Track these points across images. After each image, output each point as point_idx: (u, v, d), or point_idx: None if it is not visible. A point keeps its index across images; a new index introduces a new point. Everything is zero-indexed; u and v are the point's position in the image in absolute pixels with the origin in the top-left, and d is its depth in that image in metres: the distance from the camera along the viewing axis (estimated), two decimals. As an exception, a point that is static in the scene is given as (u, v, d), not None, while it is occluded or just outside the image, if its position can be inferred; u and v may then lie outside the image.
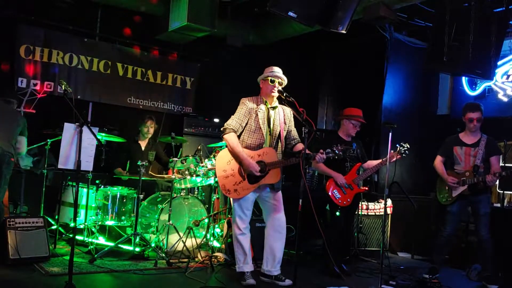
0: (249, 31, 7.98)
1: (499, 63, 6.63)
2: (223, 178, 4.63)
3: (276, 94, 4.66)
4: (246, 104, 4.69)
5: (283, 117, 4.81)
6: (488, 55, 5.69)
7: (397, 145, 5.21)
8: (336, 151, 4.51)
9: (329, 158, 4.54)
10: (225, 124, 4.66)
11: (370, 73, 7.68)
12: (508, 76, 7.04)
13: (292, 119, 4.89)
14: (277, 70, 4.73)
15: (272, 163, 4.62)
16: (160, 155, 6.77)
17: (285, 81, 4.73)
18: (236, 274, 4.77)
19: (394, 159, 5.13)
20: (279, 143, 4.77)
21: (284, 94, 4.60)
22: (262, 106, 4.72)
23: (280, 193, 4.79)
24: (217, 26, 6.95)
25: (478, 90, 7.40)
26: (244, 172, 4.59)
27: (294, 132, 4.91)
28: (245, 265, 4.69)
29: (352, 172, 5.36)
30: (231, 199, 4.72)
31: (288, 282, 4.64)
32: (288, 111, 4.87)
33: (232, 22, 7.66)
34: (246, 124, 4.68)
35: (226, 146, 4.69)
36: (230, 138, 4.59)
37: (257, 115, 4.67)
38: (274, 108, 4.77)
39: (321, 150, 4.50)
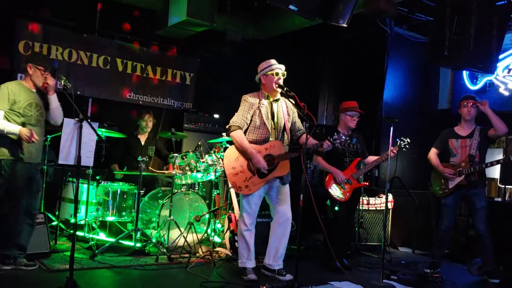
0: (249, 26, 7.95)
1: (500, 57, 6.59)
2: (233, 176, 4.61)
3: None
4: (248, 101, 4.67)
5: (286, 108, 4.79)
6: (489, 49, 5.66)
7: (398, 140, 5.21)
8: (343, 137, 4.50)
9: (333, 146, 4.52)
10: (230, 122, 4.64)
11: (370, 68, 7.67)
12: (510, 70, 7.02)
13: (295, 110, 4.84)
14: (275, 62, 4.71)
15: (281, 156, 4.60)
16: (159, 149, 6.77)
17: (285, 71, 4.71)
18: (237, 268, 4.76)
19: (394, 153, 5.13)
20: (285, 135, 4.76)
21: (285, 89, 4.58)
22: (264, 101, 4.69)
23: (287, 186, 4.78)
24: (217, 20, 6.92)
25: (479, 84, 7.38)
26: (254, 167, 4.58)
27: (299, 123, 4.89)
28: (248, 261, 4.69)
29: (351, 167, 5.35)
30: (240, 195, 4.70)
31: (289, 277, 4.64)
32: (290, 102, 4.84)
33: (231, 17, 7.63)
34: (251, 120, 4.66)
35: (233, 144, 4.68)
36: (237, 135, 4.58)
37: (260, 110, 4.65)
38: (276, 101, 4.75)
39: (327, 139, 4.49)
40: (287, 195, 4.78)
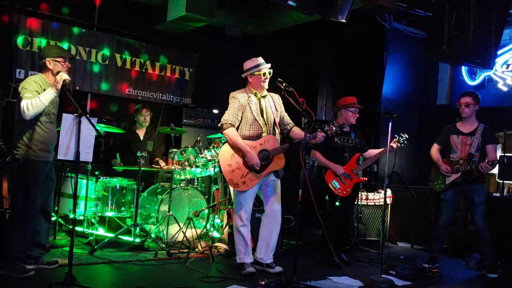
0: (248, 21, 7.92)
1: (499, 52, 6.59)
2: (229, 173, 4.63)
3: (267, 86, 4.74)
4: (237, 98, 4.71)
5: (273, 104, 4.85)
6: (488, 44, 5.68)
7: (396, 135, 5.23)
8: (334, 128, 4.53)
9: (328, 135, 4.55)
10: (222, 120, 4.68)
11: (369, 63, 7.66)
12: (508, 66, 7.02)
13: (282, 104, 4.94)
14: (262, 61, 4.76)
15: (276, 150, 4.64)
16: (154, 146, 6.75)
17: (271, 69, 4.76)
18: (236, 264, 4.78)
19: (394, 148, 5.15)
20: (276, 129, 4.82)
21: (284, 84, 4.59)
22: (253, 98, 4.75)
23: (279, 181, 4.83)
24: (216, 16, 6.92)
25: (478, 80, 7.38)
26: (249, 164, 4.60)
27: (287, 117, 4.96)
28: (246, 256, 4.71)
29: (351, 162, 5.36)
30: (234, 190, 4.72)
31: (278, 268, 4.71)
32: (277, 97, 4.93)
33: (230, 12, 7.61)
34: (242, 117, 4.69)
35: (227, 141, 4.69)
36: (230, 132, 4.61)
37: (250, 107, 4.69)
38: (264, 97, 4.82)
39: (319, 130, 4.52)
40: (279, 190, 4.83)
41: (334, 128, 4.53)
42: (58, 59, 4.27)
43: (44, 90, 4.13)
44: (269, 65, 4.75)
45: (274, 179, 4.78)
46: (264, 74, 4.68)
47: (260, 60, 4.75)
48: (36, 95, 4.08)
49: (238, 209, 4.71)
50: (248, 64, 4.77)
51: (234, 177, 4.62)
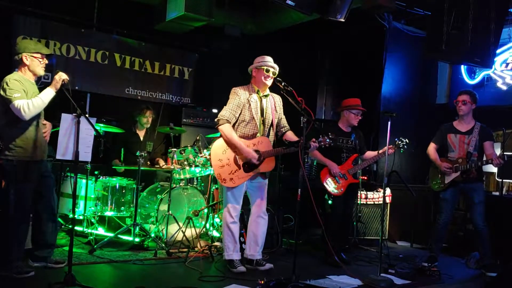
0: (247, 21, 7.93)
1: (498, 51, 6.58)
2: (219, 168, 4.67)
3: (269, 83, 4.72)
4: (239, 94, 4.71)
5: (274, 104, 4.86)
6: (487, 43, 5.68)
7: (396, 139, 5.21)
8: (327, 140, 4.55)
9: (320, 146, 4.58)
10: (219, 115, 4.69)
11: (369, 63, 7.66)
12: (507, 65, 7.02)
13: (282, 107, 4.95)
14: (270, 60, 4.78)
15: (268, 152, 4.67)
16: (153, 147, 6.75)
17: (277, 70, 4.75)
18: (225, 261, 4.81)
19: (391, 151, 5.15)
20: (271, 131, 4.84)
21: (283, 84, 4.60)
22: (254, 96, 4.75)
23: (266, 181, 4.89)
24: (215, 15, 6.92)
25: (477, 79, 7.38)
26: (241, 161, 4.61)
27: (284, 120, 4.98)
28: (235, 253, 4.77)
29: (347, 162, 5.37)
30: (224, 187, 4.74)
31: (268, 266, 4.77)
32: (278, 99, 4.94)
33: (230, 12, 7.62)
34: (240, 114, 4.70)
35: (221, 137, 4.72)
36: (225, 128, 4.63)
37: (250, 105, 4.69)
38: (265, 96, 4.82)
39: (313, 139, 4.55)
40: (265, 190, 4.89)
41: (328, 140, 4.55)
42: (35, 55, 4.20)
43: (25, 89, 4.08)
44: (276, 67, 4.74)
45: (261, 180, 4.84)
46: (268, 71, 4.66)
47: (269, 58, 4.78)
48: (24, 93, 4.05)
49: (227, 205, 4.75)
50: (257, 59, 4.80)
51: (223, 173, 4.66)
